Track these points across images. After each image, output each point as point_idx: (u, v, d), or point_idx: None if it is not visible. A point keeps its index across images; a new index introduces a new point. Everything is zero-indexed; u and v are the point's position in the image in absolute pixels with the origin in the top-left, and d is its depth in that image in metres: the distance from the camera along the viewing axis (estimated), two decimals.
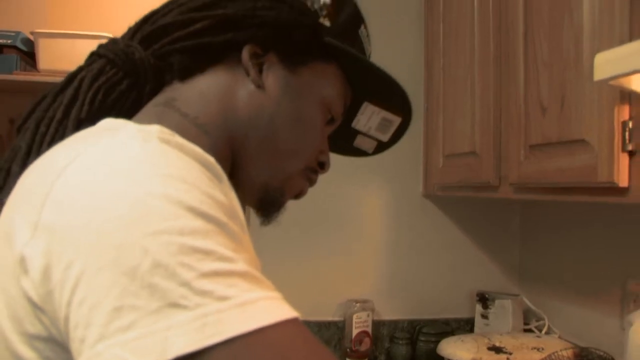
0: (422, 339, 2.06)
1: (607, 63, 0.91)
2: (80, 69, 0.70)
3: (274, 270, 2.30)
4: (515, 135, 1.42)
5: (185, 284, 0.43)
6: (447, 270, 2.17)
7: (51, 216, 0.48)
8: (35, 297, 0.47)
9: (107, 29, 2.59)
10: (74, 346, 0.45)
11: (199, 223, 0.47)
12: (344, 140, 0.88)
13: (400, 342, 2.06)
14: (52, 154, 0.56)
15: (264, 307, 0.45)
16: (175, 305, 0.43)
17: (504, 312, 2.02)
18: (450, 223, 2.17)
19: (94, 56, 0.71)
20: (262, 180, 0.74)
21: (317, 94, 0.76)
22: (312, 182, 0.79)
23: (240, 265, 0.47)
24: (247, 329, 0.43)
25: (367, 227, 2.13)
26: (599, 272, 1.74)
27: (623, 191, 1.09)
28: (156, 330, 0.42)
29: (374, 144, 0.87)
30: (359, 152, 0.91)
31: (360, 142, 0.88)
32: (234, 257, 0.47)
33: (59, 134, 0.65)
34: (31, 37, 2.53)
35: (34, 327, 0.48)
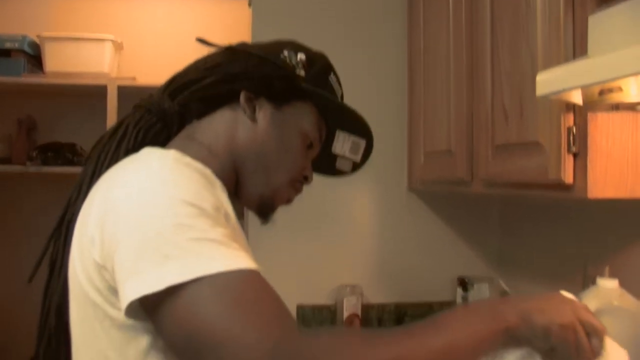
0: (408, 320, 2.17)
1: (546, 81, 1.07)
2: (127, 117, 0.97)
3: (273, 260, 2.49)
4: (484, 137, 1.56)
5: (175, 245, 0.68)
6: (430, 257, 2.27)
7: (108, 209, 0.76)
8: (99, 260, 0.74)
9: (112, 32, 2.65)
10: (118, 287, 0.71)
11: (188, 209, 0.71)
12: (329, 164, 1.10)
13: (388, 323, 2.16)
14: (114, 173, 0.83)
15: (225, 260, 0.68)
16: (168, 257, 0.67)
17: (482, 294, 2.12)
18: (434, 214, 2.27)
19: (136, 107, 0.97)
20: (257, 191, 0.97)
21: (298, 125, 0.99)
22: (298, 190, 1.01)
23: (213, 235, 0.70)
24: (211, 272, 0.66)
25: (357, 219, 2.23)
26: (565, 259, 1.89)
27: (569, 188, 1.24)
28: (156, 271, 0.67)
29: (350, 164, 1.09)
30: (342, 173, 1.13)
31: (340, 164, 1.11)
32: (209, 229, 0.70)
33: (113, 161, 0.90)
34: (37, 41, 2.55)
35: (100, 281, 0.75)
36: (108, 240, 0.73)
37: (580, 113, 1.20)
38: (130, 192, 0.74)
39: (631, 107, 1.10)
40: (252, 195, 0.97)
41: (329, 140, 1.06)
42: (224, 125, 0.96)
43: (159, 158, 0.79)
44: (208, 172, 0.80)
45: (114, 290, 0.73)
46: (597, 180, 1.20)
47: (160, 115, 0.95)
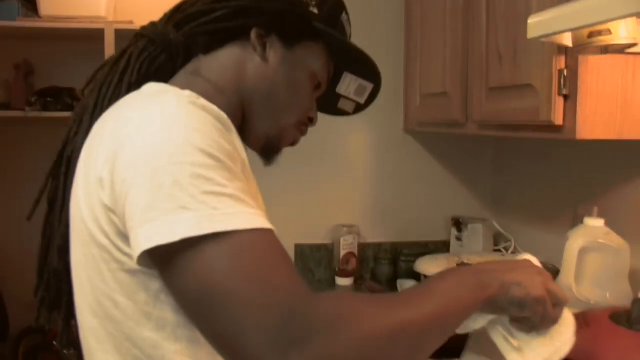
0: (403, 259, 2.21)
1: (537, 24, 1.10)
2: (129, 46, 0.91)
3: (272, 201, 2.54)
4: (478, 79, 1.59)
5: (192, 196, 0.64)
6: (426, 198, 2.32)
7: (117, 150, 0.70)
8: (108, 202, 0.71)
9: None
10: (128, 233, 0.68)
11: (206, 160, 0.67)
12: (331, 103, 1.09)
13: (384, 262, 2.21)
14: (121, 111, 0.78)
15: (242, 218, 0.66)
16: (184, 207, 0.64)
17: (475, 235, 2.18)
18: (429, 156, 2.31)
19: (138, 36, 0.92)
20: (264, 131, 0.95)
21: (308, 66, 0.96)
22: (303, 132, 1.00)
23: (230, 190, 0.66)
24: (228, 229, 0.64)
25: (354, 160, 2.26)
26: (557, 199, 1.95)
27: (559, 129, 1.28)
28: (170, 221, 0.64)
29: (353, 105, 1.09)
30: (343, 113, 1.13)
31: (342, 104, 1.10)
32: (227, 184, 0.67)
33: (116, 95, 0.86)
34: None
35: (108, 224, 0.72)
36: (119, 183, 0.69)
37: (572, 56, 1.23)
38: (144, 134, 0.69)
39: (620, 49, 1.12)
40: (258, 135, 0.95)
41: (334, 80, 1.05)
42: (232, 62, 0.92)
43: (174, 98, 0.74)
44: (224, 116, 0.75)
45: (122, 235, 0.71)
46: (586, 121, 1.23)
47: (165, 47, 0.90)
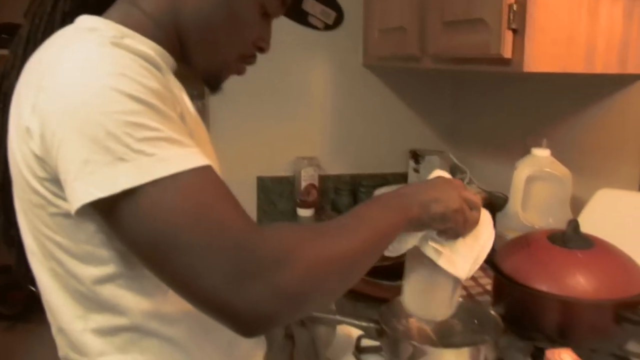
0: (362, 190, 2.29)
1: None
2: None
3: (234, 135, 2.56)
4: (434, 14, 1.61)
5: (127, 146, 0.64)
6: (384, 131, 2.37)
7: (42, 100, 0.69)
8: (39, 153, 0.71)
9: None
10: (63, 184, 0.69)
11: (135, 105, 0.66)
12: (300, 16, 1.05)
13: (343, 193, 2.28)
14: (47, 49, 0.77)
15: (180, 160, 0.66)
16: (121, 159, 0.64)
17: (432, 166, 2.21)
18: (388, 90, 2.35)
19: None
20: (202, 66, 0.91)
21: None
22: (250, 63, 0.95)
23: (164, 133, 0.66)
24: (168, 173, 0.65)
25: (314, 94, 2.28)
26: (509, 132, 2.02)
27: (508, 62, 1.33)
28: (109, 173, 0.64)
29: (322, 24, 1.10)
30: (313, 27, 1.11)
31: (312, 21, 1.10)
32: (160, 127, 0.66)
33: (50, 26, 0.83)
34: None
35: (41, 172, 0.72)
36: (49, 136, 0.68)
37: None
38: (70, 85, 0.67)
39: None
40: (198, 70, 0.91)
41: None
42: None
43: (96, 41, 0.70)
44: (152, 55, 0.73)
45: (56, 182, 0.71)
46: (534, 55, 1.28)
47: None
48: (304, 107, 2.29)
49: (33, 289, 0.86)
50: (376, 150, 2.38)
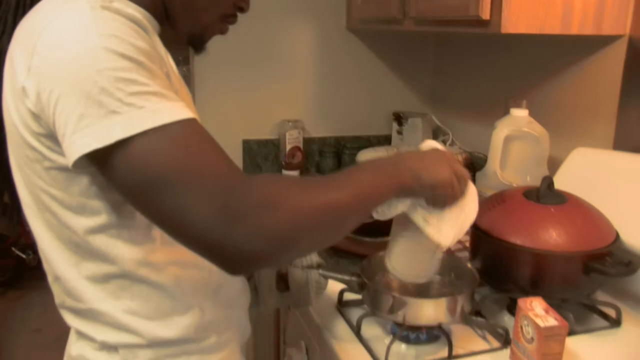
0: (347, 152, 2.32)
1: None
2: None
3: (219, 99, 2.57)
4: None
5: (119, 100, 0.68)
6: (368, 94, 2.39)
7: (37, 61, 0.73)
8: (34, 110, 0.75)
9: None
10: (60, 139, 0.73)
11: (126, 63, 0.70)
12: None
13: (328, 155, 2.31)
14: (37, 14, 0.80)
15: (169, 111, 0.70)
16: (114, 112, 0.68)
17: (415, 128, 2.29)
18: (371, 53, 2.36)
19: None
20: (186, 29, 0.94)
21: None
22: (231, 22, 0.99)
23: (153, 87, 0.71)
24: (158, 124, 0.69)
25: (298, 58, 2.29)
26: (491, 94, 2.06)
27: (486, 23, 1.36)
28: (104, 125, 0.68)
29: None
30: None
31: None
32: (149, 82, 0.71)
33: None
34: None
35: (37, 128, 0.76)
36: (45, 94, 0.72)
37: None
38: (64, 47, 0.71)
39: None
40: (181, 32, 0.95)
41: None
42: None
43: (90, 9, 0.74)
44: (139, 18, 0.77)
45: (52, 137, 0.75)
46: (511, 16, 1.32)
47: None
48: (288, 70, 2.29)
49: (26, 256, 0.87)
50: (360, 112, 2.41)
